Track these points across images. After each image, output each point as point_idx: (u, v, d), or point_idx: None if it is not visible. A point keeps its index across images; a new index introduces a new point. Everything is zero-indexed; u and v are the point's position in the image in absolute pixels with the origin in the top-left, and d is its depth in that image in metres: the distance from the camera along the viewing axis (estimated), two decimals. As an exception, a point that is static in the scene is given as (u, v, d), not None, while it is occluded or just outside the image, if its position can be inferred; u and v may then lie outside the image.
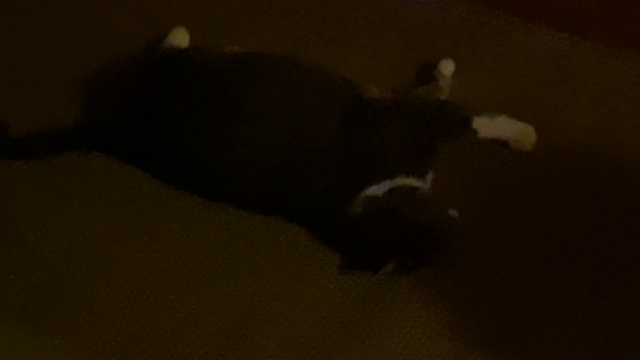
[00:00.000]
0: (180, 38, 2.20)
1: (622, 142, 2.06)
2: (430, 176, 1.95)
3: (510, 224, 1.96)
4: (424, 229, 1.86)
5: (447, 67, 2.16)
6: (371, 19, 2.30)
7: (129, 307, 1.86)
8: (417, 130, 1.95)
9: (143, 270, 1.91)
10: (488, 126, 2.01)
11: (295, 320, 1.84)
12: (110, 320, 1.84)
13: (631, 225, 1.95)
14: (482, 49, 2.23)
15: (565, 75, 2.18)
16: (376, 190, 1.88)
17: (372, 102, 1.96)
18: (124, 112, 2.04)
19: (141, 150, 2.00)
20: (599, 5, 2.28)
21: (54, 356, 1.78)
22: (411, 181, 1.90)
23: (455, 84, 2.13)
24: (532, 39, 2.24)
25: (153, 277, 1.90)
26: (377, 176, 1.89)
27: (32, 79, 2.21)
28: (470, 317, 1.84)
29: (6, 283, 1.88)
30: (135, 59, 2.18)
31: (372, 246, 1.87)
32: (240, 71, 1.99)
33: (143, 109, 2.01)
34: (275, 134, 1.92)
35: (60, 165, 2.05)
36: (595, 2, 2.28)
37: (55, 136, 2.08)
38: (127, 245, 1.94)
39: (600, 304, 1.84)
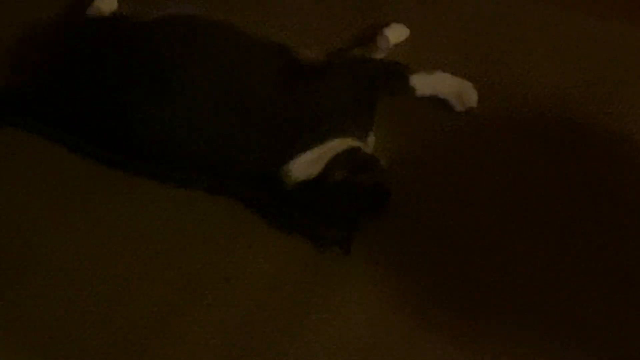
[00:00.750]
0: (107, 2, 2.08)
1: (575, 100, 1.98)
2: (372, 139, 1.87)
3: (459, 184, 1.88)
4: (368, 190, 1.78)
5: (397, 32, 2.07)
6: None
7: (55, 290, 1.74)
8: (353, 90, 1.87)
9: (68, 252, 1.79)
10: (425, 83, 1.96)
11: (228, 304, 1.73)
12: (37, 307, 1.73)
13: (581, 184, 1.87)
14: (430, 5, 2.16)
15: (518, 30, 2.11)
16: (313, 154, 1.78)
17: (307, 65, 1.89)
18: (49, 81, 1.93)
19: (68, 120, 1.88)
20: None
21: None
22: (351, 142, 1.81)
23: (404, 42, 2.07)
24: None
25: (81, 258, 1.79)
26: (315, 139, 1.79)
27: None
28: (413, 289, 1.75)
29: None
30: (61, 25, 2.07)
31: (320, 213, 1.77)
32: (170, 34, 1.89)
33: (70, 77, 1.90)
34: (209, 98, 1.81)
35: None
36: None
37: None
38: (50, 227, 1.83)
39: (545, 264, 1.77)
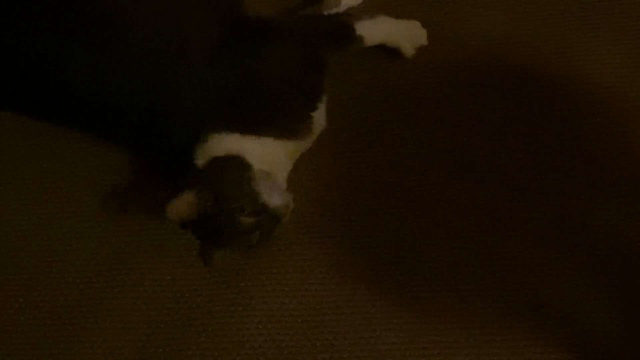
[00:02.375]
0: None
1: (527, 43, 1.89)
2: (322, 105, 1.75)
3: (409, 140, 1.80)
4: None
5: None
6: None
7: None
8: (300, 56, 1.74)
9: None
10: (373, 29, 1.83)
11: (162, 273, 1.69)
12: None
13: (536, 129, 1.79)
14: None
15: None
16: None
17: (254, 22, 1.74)
18: None
19: None
20: None
21: None
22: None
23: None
24: None
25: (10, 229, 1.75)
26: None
27: None
28: (353, 256, 1.70)
29: None
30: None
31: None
32: None
33: None
34: (143, 50, 1.68)
35: None
36: None
37: None
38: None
39: (496, 216, 1.73)
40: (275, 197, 1.60)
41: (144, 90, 1.68)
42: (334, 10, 1.92)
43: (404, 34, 1.86)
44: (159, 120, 1.68)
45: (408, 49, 1.86)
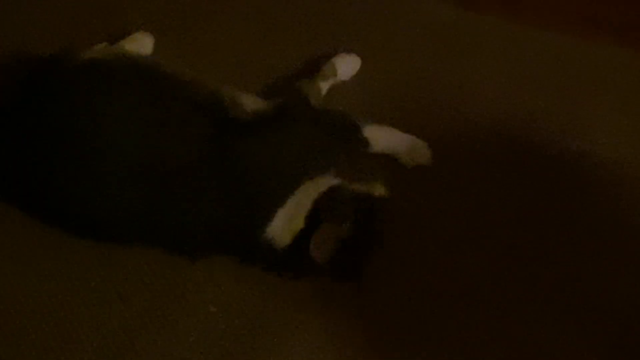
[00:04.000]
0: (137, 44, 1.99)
1: (532, 122, 1.94)
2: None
3: (424, 223, 1.83)
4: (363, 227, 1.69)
5: (347, 62, 1.99)
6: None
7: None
8: (308, 139, 1.77)
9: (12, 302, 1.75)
10: (379, 135, 1.86)
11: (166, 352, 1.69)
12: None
13: (547, 206, 1.83)
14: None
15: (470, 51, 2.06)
16: (289, 209, 1.68)
17: (242, 120, 1.76)
18: None
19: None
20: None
21: None
22: (326, 180, 1.71)
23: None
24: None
25: (23, 308, 1.74)
26: (284, 191, 1.69)
27: None
28: (372, 334, 1.71)
29: None
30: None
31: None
32: (92, 85, 1.74)
33: None
34: (139, 160, 1.68)
35: None
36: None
37: None
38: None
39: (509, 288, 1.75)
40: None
41: (150, 198, 1.68)
42: (330, 80, 1.96)
43: (408, 149, 1.88)
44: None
45: (408, 162, 1.88)
